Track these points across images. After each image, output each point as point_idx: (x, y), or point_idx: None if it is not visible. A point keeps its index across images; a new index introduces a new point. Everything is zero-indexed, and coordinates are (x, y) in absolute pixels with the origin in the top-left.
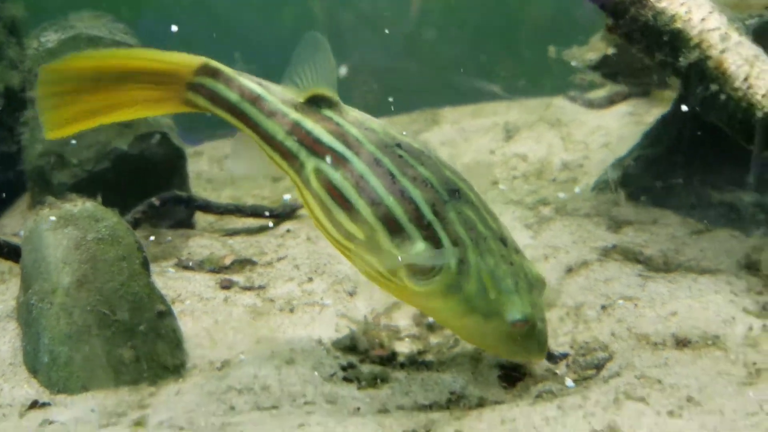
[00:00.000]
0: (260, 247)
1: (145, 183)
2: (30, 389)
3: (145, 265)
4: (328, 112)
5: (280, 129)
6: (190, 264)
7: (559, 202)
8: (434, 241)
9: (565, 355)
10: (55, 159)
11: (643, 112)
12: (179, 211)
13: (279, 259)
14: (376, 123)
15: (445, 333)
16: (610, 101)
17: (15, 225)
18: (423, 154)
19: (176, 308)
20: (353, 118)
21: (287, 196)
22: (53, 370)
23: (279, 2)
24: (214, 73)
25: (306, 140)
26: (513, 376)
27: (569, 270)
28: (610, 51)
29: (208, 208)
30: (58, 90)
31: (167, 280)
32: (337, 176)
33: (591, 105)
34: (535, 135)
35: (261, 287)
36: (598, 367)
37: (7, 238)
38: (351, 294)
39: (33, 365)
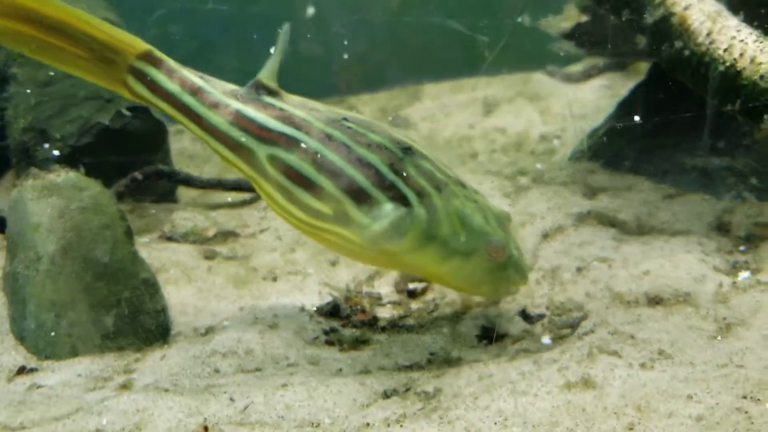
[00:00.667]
0: (243, 220)
1: (127, 157)
2: (17, 356)
3: (129, 233)
4: (269, 100)
5: (223, 120)
6: (174, 236)
7: (536, 172)
8: (400, 199)
9: (542, 316)
10: (38, 134)
11: (619, 85)
12: (162, 185)
13: (261, 231)
14: (318, 104)
15: (426, 299)
16: (587, 75)
17: (2, 201)
18: (371, 124)
19: (160, 277)
20: (295, 101)
21: None
22: (40, 337)
23: None
24: (157, 63)
25: (251, 128)
26: (491, 336)
27: (545, 235)
28: (583, 18)
29: (190, 182)
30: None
31: (151, 251)
32: (293, 158)
33: (569, 79)
34: (514, 109)
35: (244, 257)
36: (574, 326)
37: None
38: (333, 264)
39: (20, 332)
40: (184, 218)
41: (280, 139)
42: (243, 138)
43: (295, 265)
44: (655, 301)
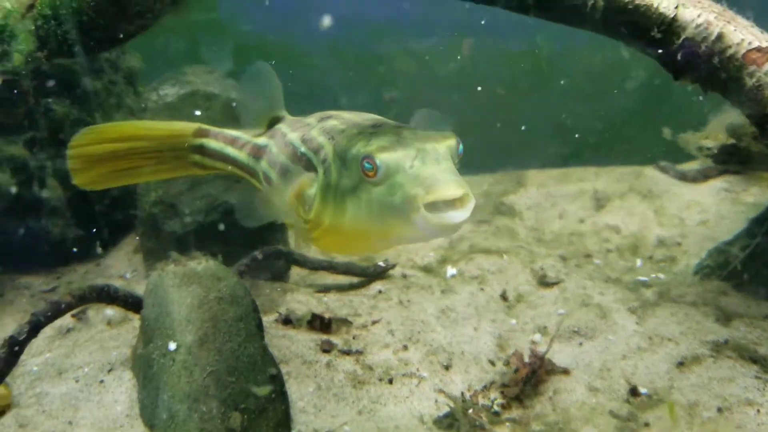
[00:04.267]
0: (354, 307)
1: (247, 234)
2: None
3: (260, 326)
4: (278, 126)
5: (246, 155)
6: (291, 319)
7: (660, 285)
8: (309, 165)
9: None
10: (168, 208)
11: (739, 189)
12: (277, 264)
13: (373, 323)
14: (313, 119)
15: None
16: (704, 175)
17: (120, 266)
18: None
19: (281, 370)
20: (292, 119)
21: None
22: (170, 428)
23: (371, 62)
24: (205, 133)
25: (254, 151)
26: None
27: (680, 364)
28: (730, 141)
29: (304, 263)
30: (86, 153)
31: (271, 338)
32: (263, 164)
33: (684, 177)
34: (626, 206)
35: (359, 352)
36: None
37: (131, 290)
38: (446, 367)
39: (150, 420)
40: (297, 301)
41: (260, 151)
42: (253, 162)
43: (408, 366)
44: None
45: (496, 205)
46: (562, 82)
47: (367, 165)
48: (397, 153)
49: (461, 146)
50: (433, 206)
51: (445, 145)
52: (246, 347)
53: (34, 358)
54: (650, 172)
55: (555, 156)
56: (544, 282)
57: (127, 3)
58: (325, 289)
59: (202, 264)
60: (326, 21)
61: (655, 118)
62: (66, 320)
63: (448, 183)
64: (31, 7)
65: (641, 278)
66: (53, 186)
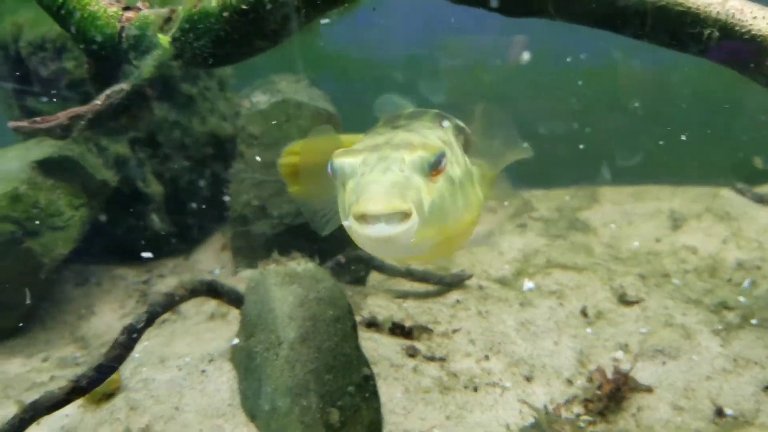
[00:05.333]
0: (433, 315)
1: (330, 239)
2: None
3: (355, 328)
4: None
5: None
6: (375, 323)
7: (743, 308)
8: None
9: None
10: (258, 210)
11: None
12: (358, 269)
13: (454, 331)
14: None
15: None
16: None
17: (207, 262)
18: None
19: None
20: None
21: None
22: (273, 419)
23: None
24: None
25: None
26: None
27: (766, 388)
28: None
29: (383, 269)
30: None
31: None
32: None
33: (761, 200)
34: (703, 227)
35: (442, 359)
36: None
37: (234, 286)
38: (528, 379)
39: (252, 410)
40: (378, 305)
41: None
42: None
43: (491, 375)
44: None
45: (570, 221)
46: (636, 100)
47: (329, 166)
48: (349, 158)
49: (443, 160)
50: (365, 217)
51: (413, 155)
52: (343, 347)
53: (137, 345)
54: (726, 193)
55: (629, 173)
56: (624, 300)
57: (264, 22)
58: (403, 295)
59: (301, 265)
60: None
61: (729, 139)
62: None
63: (373, 196)
64: (168, 19)
65: (724, 300)
66: (151, 183)
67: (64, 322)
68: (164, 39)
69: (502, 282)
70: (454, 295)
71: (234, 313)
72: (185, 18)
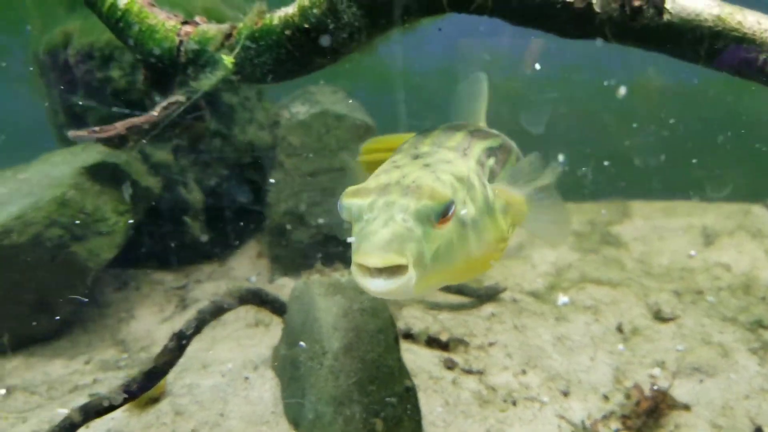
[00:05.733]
0: (469, 328)
1: None
2: None
3: (397, 340)
4: None
5: None
6: (412, 334)
7: None
8: None
9: None
10: (296, 219)
11: None
12: None
13: (490, 344)
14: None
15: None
16: None
17: (243, 269)
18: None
19: None
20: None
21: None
22: (316, 428)
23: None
24: None
25: None
26: None
27: None
28: None
29: None
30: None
31: None
32: None
33: None
34: (735, 244)
35: (480, 372)
36: None
37: (277, 295)
38: (565, 394)
39: (295, 418)
40: (413, 317)
41: None
42: None
43: (529, 390)
44: None
45: (602, 235)
46: (671, 117)
47: (339, 205)
48: (357, 200)
49: (451, 208)
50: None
51: (419, 204)
52: (385, 358)
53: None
54: (758, 210)
55: (660, 188)
56: (659, 317)
57: (325, 41)
58: (437, 307)
59: (345, 276)
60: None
61: (761, 156)
62: None
63: (369, 250)
64: (229, 35)
65: (759, 318)
66: (192, 190)
67: (104, 325)
68: (228, 59)
69: (536, 295)
70: (488, 308)
71: (273, 321)
72: (247, 35)
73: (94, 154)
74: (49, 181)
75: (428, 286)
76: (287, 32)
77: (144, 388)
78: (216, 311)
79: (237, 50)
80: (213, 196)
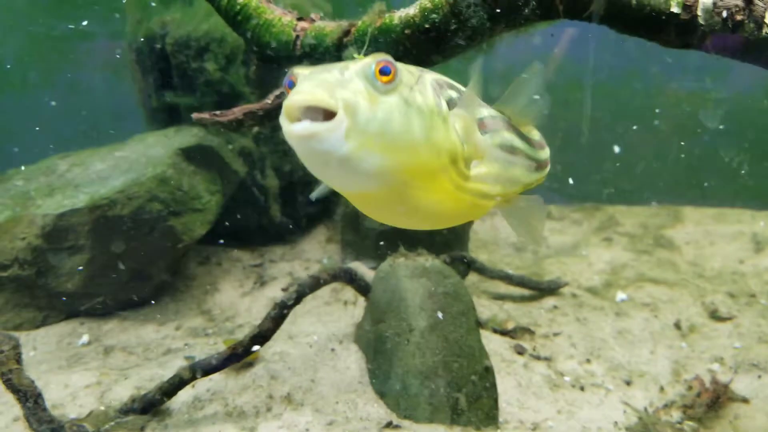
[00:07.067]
0: (533, 318)
1: (434, 238)
2: (380, 409)
3: (478, 323)
4: None
5: None
6: (480, 321)
7: None
8: None
9: None
10: None
11: None
12: (459, 269)
13: (555, 334)
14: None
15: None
16: None
17: (313, 251)
18: None
19: None
20: None
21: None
22: (402, 398)
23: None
24: None
25: None
26: None
27: None
28: None
29: (483, 271)
30: None
31: None
32: None
33: None
34: None
35: (547, 359)
36: None
37: (363, 275)
38: (627, 383)
39: (380, 389)
40: (481, 305)
41: None
42: None
43: (594, 377)
44: None
45: (655, 238)
46: (721, 125)
47: (285, 80)
48: (300, 69)
49: (391, 67)
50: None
51: (358, 64)
52: (467, 339)
53: (258, 322)
54: None
55: (711, 195)
56: (715, 316)
57: (445, 41)
58: (500, 297)
59: (429, 261)
60: None
61: None
62: (277, 293)
63: (300, 89)
64: (347, 32)
65: None
66: (270, 176)
67: (191, 295)
68: (359, 57)
69: (594, 291)
70: (550, 301)
71: (348, 299)
72: (364, 32)
73: (189, 137)
74: (147, 159)
75: (364, 150)
76: (407, 31)
77: (248, 352)
78: (314, 285)
79: (366, 46)
80: (289, 182)
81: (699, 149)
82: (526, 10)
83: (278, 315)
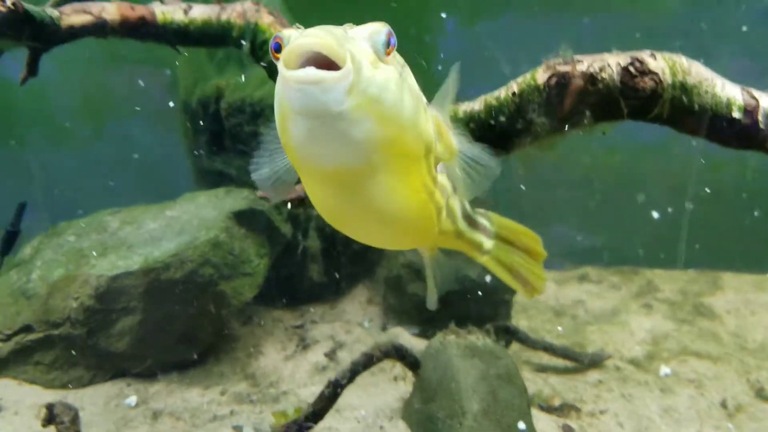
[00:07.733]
0: (578, 393)
1: (470, 307)
2: None
3: (529, 406)
4: None
5: None
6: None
7: None
8: None
9: None
10: (413, 272)
11: None
12: (502, 339)
13: (601, 412)
14: None
15: None
16: None
17: (354, 313)
18: None
19: None
20: None
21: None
22: None
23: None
24: None
25: None
26: None
27: None
28: None
29: (526, 341)
30: None
31: None
32: None
33: None
34: None
35: None
36: None
37: (412, 351)
38: None
39: None
40: (524, 378)
41: None
42: None
43: None
44: None
45: (694, 306)
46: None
47: (271, 43)
48: (292, 30)
49: (393, 39)
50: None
51: (365, 28)
52: (519, 424)
53: (302, 389)
54: None
55: (751, 261)
56: (762, 396)
57: (507, 137)
58: (542, 369)
59: (480, 340)
60: None
61: None
62: (320, 359)
63: (308, 34)
64: None
65: None
66: (313, 236)
67: (235, 357)
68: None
69: (636, 364)
70: (593, 374)
71: (393, 370)
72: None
73: (240, 200)
74: (199, 221)
75: (361, 112)
76: (471, 125)
77: (302, 430)
78: (367, 363)
79: None
80: (331, 243)
81: (739, 215)
82: (593, 112)
83: (332, 394)
